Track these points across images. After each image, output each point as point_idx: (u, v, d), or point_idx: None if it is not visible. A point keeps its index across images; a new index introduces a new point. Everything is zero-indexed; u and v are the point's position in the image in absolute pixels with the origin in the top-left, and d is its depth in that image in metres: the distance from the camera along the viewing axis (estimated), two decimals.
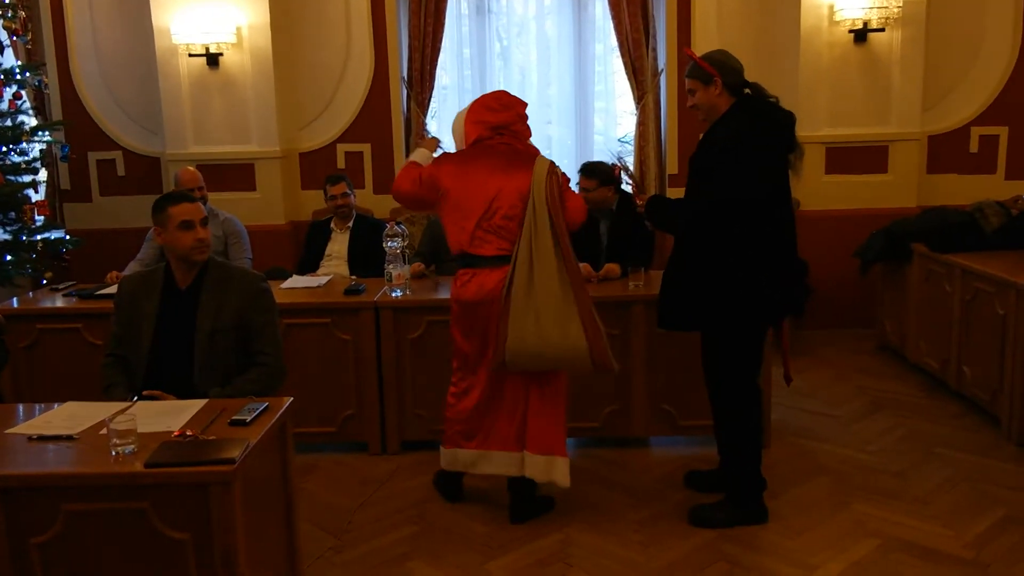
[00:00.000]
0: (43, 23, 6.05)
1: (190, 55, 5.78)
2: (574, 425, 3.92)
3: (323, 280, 4.50)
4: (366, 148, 6.24)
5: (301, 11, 6.06)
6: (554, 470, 3.30)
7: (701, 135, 3.30)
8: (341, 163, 6.22)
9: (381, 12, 6.08)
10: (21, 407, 2.71)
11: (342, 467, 4.00)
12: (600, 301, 3.61)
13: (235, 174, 5.95)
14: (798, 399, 4.72)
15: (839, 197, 5.89)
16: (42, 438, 2.35)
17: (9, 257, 4.78)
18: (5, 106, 5.13)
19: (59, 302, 4.25)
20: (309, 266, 4.99)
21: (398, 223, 4.23)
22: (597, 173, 4.39)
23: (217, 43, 5.76)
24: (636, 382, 4.01)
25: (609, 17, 6.03)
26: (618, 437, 4.13)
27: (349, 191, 4.98)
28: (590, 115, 6.34)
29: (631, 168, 3.66)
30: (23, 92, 5.11)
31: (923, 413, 4.51)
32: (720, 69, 3.15)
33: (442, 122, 6.47)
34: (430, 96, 6.20)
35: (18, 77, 4.99)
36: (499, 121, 3.31)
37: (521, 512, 3.43)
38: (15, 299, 4.44)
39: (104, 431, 2.32)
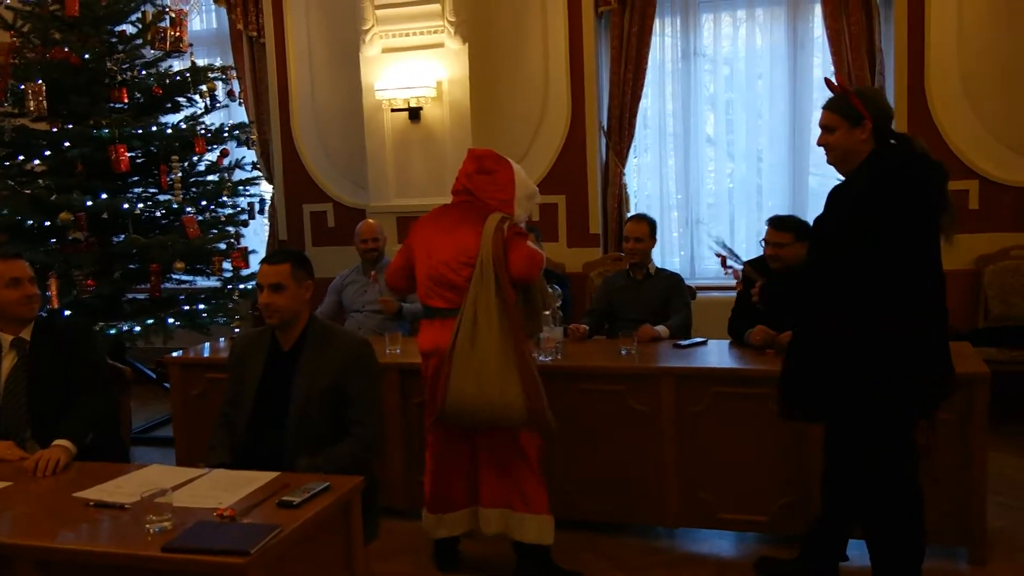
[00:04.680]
0: (270, 84, 6.51)
1: (392, 110, 5.90)
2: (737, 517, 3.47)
3: None
4: (561, 200, 6.02)
5: (500, 63, 6.00)
6: (520, 526, 3.17)
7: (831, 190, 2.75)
8: (535, 215, 6.02)
9: (579, 61, 5.86)
10: (122, 469, 2.69)
11: None
12: None
13: None
14: None
15: None
16: (98, 504, 2.30)
17: (203, 306, 5.05)
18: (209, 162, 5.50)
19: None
20: None
21: (553, 284, 3.93)
22: (791, 226, 3.78)
23: (417, 97, 5.84)
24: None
25: (828, 54, 5.36)
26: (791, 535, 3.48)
27: None
28: (805, 163, 5.66)
29: (736, 252, 3.20)
30: (230, 149, 5.45)
31: None
32: (874, 110, 2.64)
33: (642, 171, 6.10)
34: (629, 145, 5.86)
35: (225, 135, 5.32)
36: (462, 177, 3.33)
37: None
38: (206, 345, 4.67)
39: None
